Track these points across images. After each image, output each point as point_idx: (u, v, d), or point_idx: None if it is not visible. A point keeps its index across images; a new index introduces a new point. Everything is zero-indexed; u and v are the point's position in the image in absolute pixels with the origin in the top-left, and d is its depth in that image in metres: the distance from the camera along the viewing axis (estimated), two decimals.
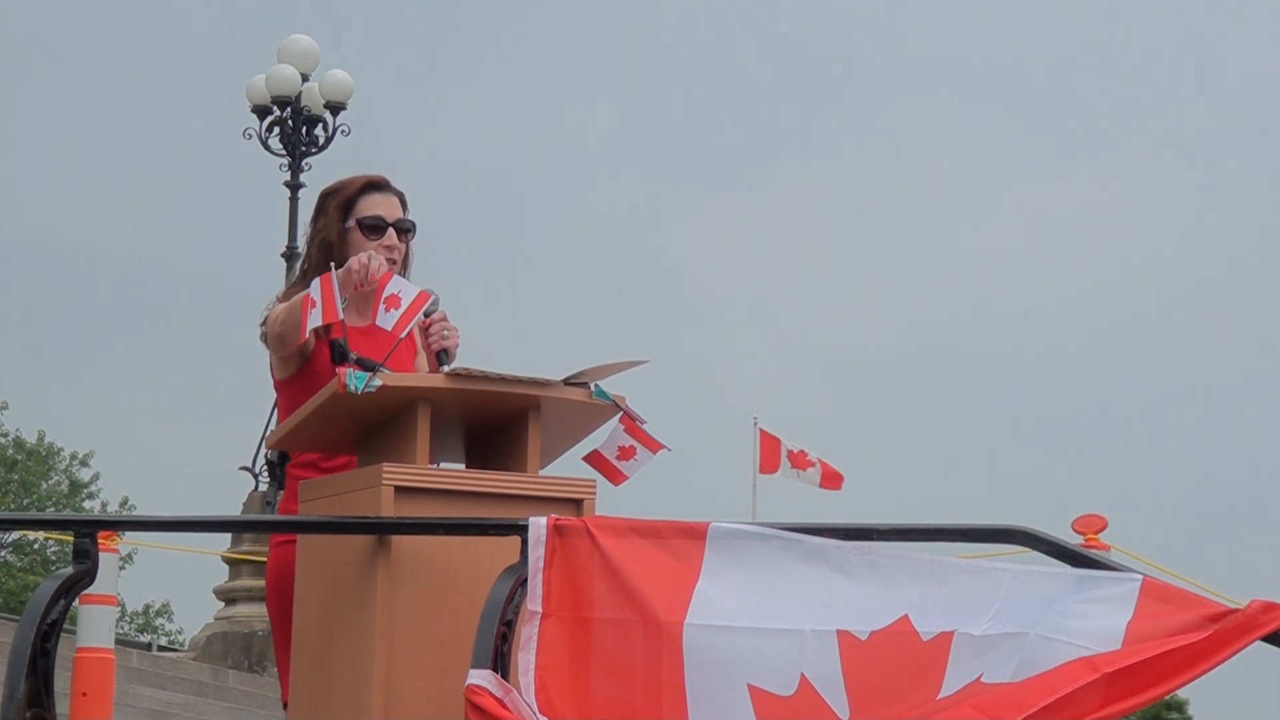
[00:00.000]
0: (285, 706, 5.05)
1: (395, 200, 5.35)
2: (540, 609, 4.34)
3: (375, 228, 5.27)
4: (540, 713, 4.21)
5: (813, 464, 18.81)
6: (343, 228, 5.28)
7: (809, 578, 4.31)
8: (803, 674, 4.21)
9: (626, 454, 4.94)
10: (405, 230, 5.32)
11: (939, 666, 4.15)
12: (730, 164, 55.73)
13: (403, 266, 5.35)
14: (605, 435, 4.98)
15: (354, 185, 5.34)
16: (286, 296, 5.25)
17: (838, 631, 4.22)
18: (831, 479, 18.90)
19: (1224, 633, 4.05)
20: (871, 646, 4.20)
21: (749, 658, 4.23)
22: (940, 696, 4.13)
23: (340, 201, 5.30)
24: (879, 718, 4.15)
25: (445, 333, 5.17)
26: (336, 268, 4.88)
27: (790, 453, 18.72)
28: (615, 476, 4.95)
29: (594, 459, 4.96)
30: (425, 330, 5.23)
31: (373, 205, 5.30)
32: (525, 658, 4.29)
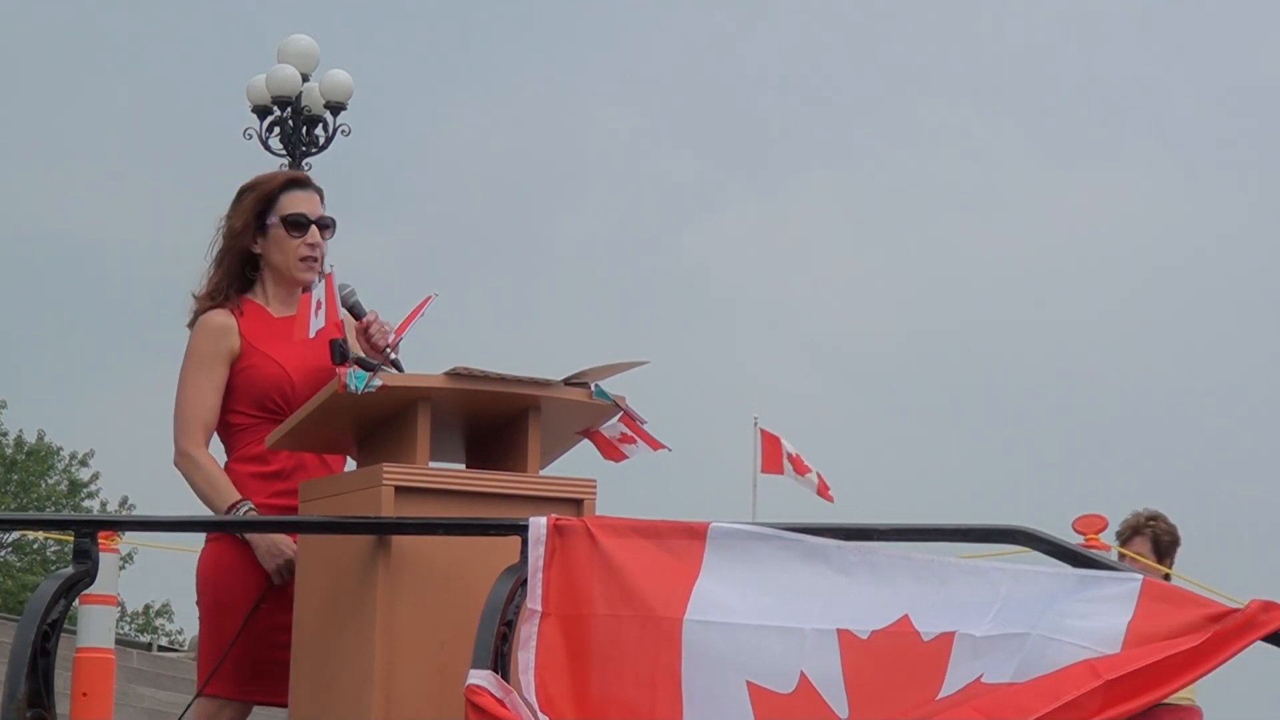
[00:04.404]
0: (199, 695, 5.13)
1: (316, 197, 5.37)
2: (540, 608, 4.34)
3: (299, 224, 5.29)
4: (540, 712, 4.21)
5: (809, 470, 18.84)
6: (264, 223, 5.29)
7: (809, 577, 4.31)
8: (802, 672, 4.20)
9: (626, 440, 4.99)
10: (326, 227, 5.35)
11: (940, 667, 4.15)
12: (736, 166, 55.77)
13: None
14: (605, 426, 5.00)
15: (275, 181, 5.37)
16: (207, 294, 5.28)
17: (838, 630, 4.22)
18: (824, 491, 18.93)
19: (1224, 633, 4.05)
20: (872, 646, 4.20)
21: (748, 655, 4.23)
22: (940, 697, 4.13)
23: (259, 196, 5.31)
24: (878, 717, 4.15)
25: (387, 328, 5.16)
26: (258, 262, 5.25)
27: (790, 455, 18.73)
28: (615, 455, 4.98)
29: (594, 437, 4.98)
30: (364, 333, 5.20)
31: (295, 202, 5.31)
32: (525, 657, 4.29)
